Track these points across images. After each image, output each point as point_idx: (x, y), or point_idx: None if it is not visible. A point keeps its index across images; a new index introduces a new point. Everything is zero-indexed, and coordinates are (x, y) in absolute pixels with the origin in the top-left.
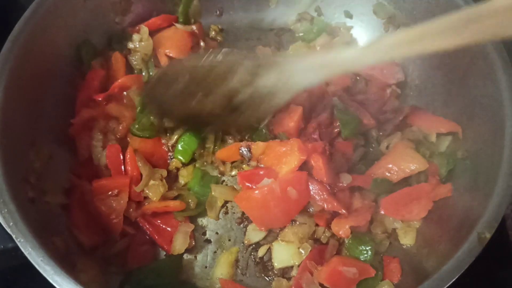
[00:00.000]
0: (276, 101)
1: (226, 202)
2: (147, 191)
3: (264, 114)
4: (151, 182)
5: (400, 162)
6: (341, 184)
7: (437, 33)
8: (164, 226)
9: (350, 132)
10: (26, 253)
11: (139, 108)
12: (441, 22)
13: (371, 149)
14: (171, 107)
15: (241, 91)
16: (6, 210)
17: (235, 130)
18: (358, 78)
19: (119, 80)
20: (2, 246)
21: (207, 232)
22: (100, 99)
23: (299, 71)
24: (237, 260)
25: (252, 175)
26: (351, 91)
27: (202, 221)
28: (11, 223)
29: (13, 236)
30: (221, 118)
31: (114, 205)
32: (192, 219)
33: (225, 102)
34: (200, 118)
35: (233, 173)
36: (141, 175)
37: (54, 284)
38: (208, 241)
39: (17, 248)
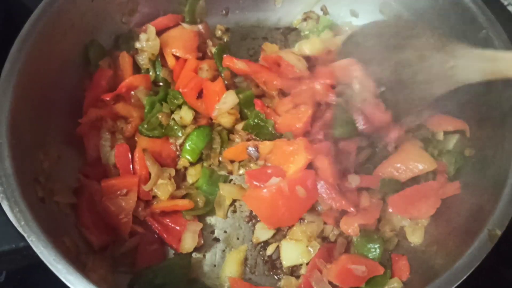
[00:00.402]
0: (434, 89)
1: (234, 201)
2: (155, 190)
3: (419, 100)
4: (160, 181)
5: (408, 162)
6: (349, 185)
7: None
8: (172, 225)
9: (342, 133)
10: (38, 252)
11: (147, 107)
12: None
13: (376, 149)
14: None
15: (413, 62)
16: (17, 209)
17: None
18: None
19: (127, 80)
20: (13, 246)
21: (216, 231)
22: (108, 99)
23: (465, 65)
24: (246, 259)
25: (260, 174)
26: None
27: (211, 219)
28: (23, 222)
29: (25, 235)
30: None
31: (123, 204)
32: (201, 218)
33: (398, 69)
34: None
35: (241, 172)
36: (149, 174)
37: (67, 283)
38: (217, 240)
39: (28, 248)
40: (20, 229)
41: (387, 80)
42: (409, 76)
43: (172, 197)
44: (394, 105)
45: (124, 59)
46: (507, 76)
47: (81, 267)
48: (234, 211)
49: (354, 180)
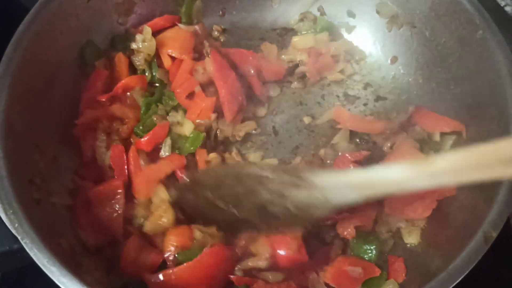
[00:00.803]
0: (316, 212)
1: None
2: None
3: (308, 220)
4: None
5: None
6: None
7: (497, 161)
8: None
9: None
10: (32, 254)
11: (143, 108)
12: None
13: (370, 150)
14: (203, 213)
15: (275, 202)
16: (11, 211)
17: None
18: None
19: (123, 81)
20: (7, 248)
21: None
22: (103, 100)
23: (335, 188)
24: None
25: None
26: None
27: None
28: (17, 225)
29: (19, 238)
30: (259, 225)
31: (112, 209)
32: None
33: (258, 211)
34: (236, 223)
35: None
36: None
37: (60, 286)
38: None
39: (22, 250)
40: (14, 231)
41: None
42: (276, 212)
43: None
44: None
45: (120, 60)
46: (392, 192)
47: (76, 269)
48: None
49: None
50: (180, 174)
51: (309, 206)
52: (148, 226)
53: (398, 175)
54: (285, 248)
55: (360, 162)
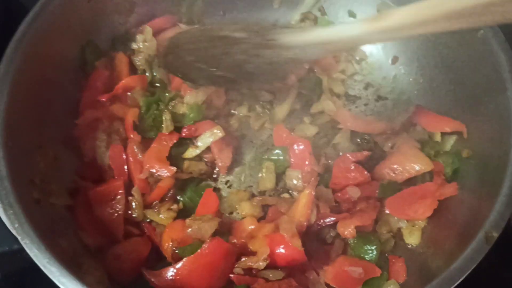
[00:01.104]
0: (286, 68)
1: None
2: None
3: (281, 76)
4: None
5: (405, 163)
6: (349, 198)
7: (446, 16)
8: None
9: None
10: (32, 255)
11: (144, 108)
12: (452, 5)
13: (371, 150)
14: (186, 73)
15: (249, 60)
16: (11, 211)
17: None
18: None
19: (123, 81)
20: (7, 248)
21: None
22: (104, 100)
23: (303, 46)
24: None
25: None
26: None
27: None
28: (17, 225)
29: (19, 238)
30: (237, 82)
31: (113, 209)
32: None
33: (236, 69)
34: (218, 79)
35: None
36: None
37: (60, 286)
38: None
39: (22, 250)
40: (14, 232)
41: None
42: (253, 69)
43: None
44: None
45: (121, 60)
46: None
47: (77, 269)
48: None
49: (354, 193)
50: None
51: (280, 63)
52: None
53: (354, 31)
54: (284, 248)
55: (361, 162)
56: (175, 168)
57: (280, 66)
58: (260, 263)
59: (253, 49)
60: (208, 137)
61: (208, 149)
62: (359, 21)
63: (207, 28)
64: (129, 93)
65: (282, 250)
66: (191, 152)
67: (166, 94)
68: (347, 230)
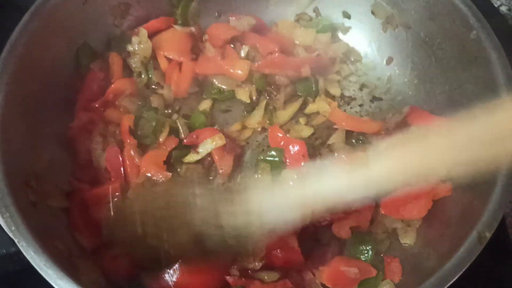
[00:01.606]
0: (252, 241)
1: None
2: None
3: (243, 252)
4: None
5: None
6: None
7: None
8: None
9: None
10: (28, 257)
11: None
12: None
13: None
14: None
15: (210, 233)
16: (8, 214)
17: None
18: None
19: (112, 85)
20: (4, 251)
21: None
22: (97, 105)
23: (274, 209)
24: None
25: None
26: None
27: None
28: (13, 227)
29: (15, 241)
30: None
31: (109, 211)
32: None
33: (192, 246)
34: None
35: None
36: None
37: None
38: None
39: (19, 253)
40: (10, 234)
41: None
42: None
43: None
44: None
45: (113, 60)
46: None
47: (73, 271)
48: None
49: None
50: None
51: (245, 235)
52: None
53: (335, 187)
54: (280, 249)
55: None
56: (170, 174)
57: (241, 240)
58: (256, 264)
59: (208, 217)
60: (210, 144)
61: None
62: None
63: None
64: (117, 102)
65: (279, 251)
66: (191, 157)
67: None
68: (342, 230)
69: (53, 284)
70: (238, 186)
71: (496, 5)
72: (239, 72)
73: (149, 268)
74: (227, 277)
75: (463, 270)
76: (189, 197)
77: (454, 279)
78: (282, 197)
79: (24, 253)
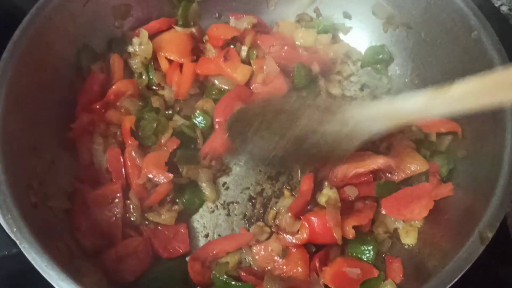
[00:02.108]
0: (345, 147)
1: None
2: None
3: (338, 156)
4: None
5: (400, 163)
6: (347, 197)
7: (501, 87)
8: (161, 229)
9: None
10: (30, 259)
11: (136, 118)
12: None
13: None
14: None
15: (309, 136)
16: (9, 215)
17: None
18: None
19: (113, 87)
20: (6, 252)
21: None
22: (98, 107)
23: (363, 120)
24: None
25: None
26: None
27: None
28: (15, 229)
29: (17, 242)
30: (295, 156)
31: (111, 212)
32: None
33: (296, 144)
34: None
35: None
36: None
37: None
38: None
39: (21, 254)
40: (12, 236)
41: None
42: (315, 141)
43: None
44: None
45: (114, 61)
46: (411, 121)
47: (75, 272)
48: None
49: (352, 192)
50: None
51: (338, 141)
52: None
53: (416, 105)
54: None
55: None
56: (172, 175)
57: (337, 144)
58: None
59: (313, 122)
60: None
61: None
62: (420, 95)
63: (271, 102)
64: (118, 103)
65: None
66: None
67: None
68: (345, 230)
69: (55, 285)
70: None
71: (496, 5)
72: (240, 77)
73: None
74: (241, 272)
75: (465, 270)
76: (299, 107)
77: (456, 279)
78: (372, 110)
79: (26, 255)
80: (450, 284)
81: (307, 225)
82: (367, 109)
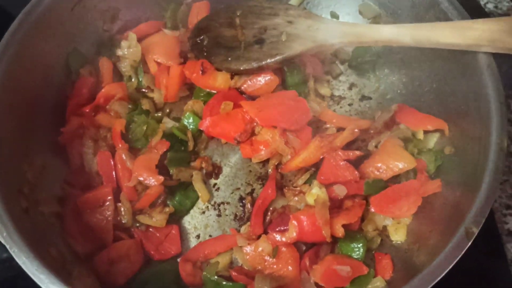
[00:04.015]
0: (295, 45)
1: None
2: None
3: (281, 51)
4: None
5: (388, 161)
6: (336, 196)
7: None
8: (153, 231)
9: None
10: (20, 263)
11: (127, 121)
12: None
13: (358, 149)
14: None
15: (272, 28)
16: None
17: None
18: None
19: (103, 90)
20: None
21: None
22: (87, 110)
23: (328, 31)
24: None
25: None
26: None
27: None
28: (5, 234)
29: (7, 247)
30: (247, 49)
31: (101, 215)
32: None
33: (255, 33)
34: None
35: None
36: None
37: None
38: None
39: (11, 259)
40: (2, 241)
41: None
42: (275, 35)
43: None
44: None
45: (103, 64)
46: (361, 43)
47: (67, 276)
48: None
49: (340, 191)
50: None
51: (297, 37)
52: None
53: (385, 33)
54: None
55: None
56: (162, 177)
57: (292, 39)
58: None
59: (283, 20)
60: None
61: (196, 155)
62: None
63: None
64: (107, 106)
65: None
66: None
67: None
68: (334, 228)
69: None
70: None
71: (482, 2)
72: (222, 84)
73: None
74: (232, 272)
75: (452, 265)
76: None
77: (443, 274)
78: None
79: (16, 259)
80: (438, 279)
81: (296, 224)
82: (334, 25)
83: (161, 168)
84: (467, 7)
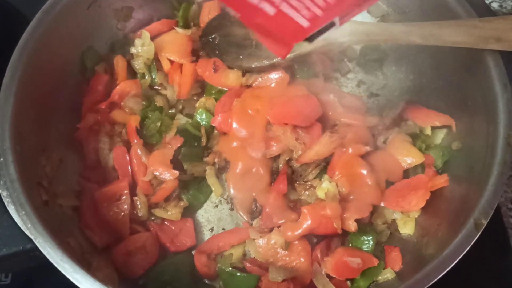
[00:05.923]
0: (305, 43)
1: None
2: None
3: (292, 50)
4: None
5: (397, 156)
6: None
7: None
8: (168, 224)
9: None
10: (45, 253)
11: (141, 118)
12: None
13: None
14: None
15: None
16: (23, 212)
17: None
18: None
19: (117, 87)
20: (21, 247)
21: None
22: (103, 107)
23: (338, 29)
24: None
25: None
26: None
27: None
28: (29, 225)
29: (32, 237)
30: (258, 47)
31: (118, 209)
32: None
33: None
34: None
35: None
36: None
37: (74, 282)
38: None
39: (35, 249)
40: (27, 232)
41: None
42: None
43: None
44: None
45: (118, 62)
46: (370, 41)
47: (87, 267)
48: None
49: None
50: None
51: None
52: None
53: (394, 31)
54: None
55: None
56: (177, 172)
57: None
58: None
59: None
60: None
61: (208, 150)
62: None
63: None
64: (122, 103)
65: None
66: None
67: (167, 97)
68: (347, 223)
69: (70, 278)
70: None
71: (487, 2)
72: (234, 82)
73: None
74: (246, 263)
75: (461, 255)
76: None
77: (452, 265)
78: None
79: (41, 249)
80: (447, 269)
81: (308, 217)
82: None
83: (175, 163)
84: (474, 6)
